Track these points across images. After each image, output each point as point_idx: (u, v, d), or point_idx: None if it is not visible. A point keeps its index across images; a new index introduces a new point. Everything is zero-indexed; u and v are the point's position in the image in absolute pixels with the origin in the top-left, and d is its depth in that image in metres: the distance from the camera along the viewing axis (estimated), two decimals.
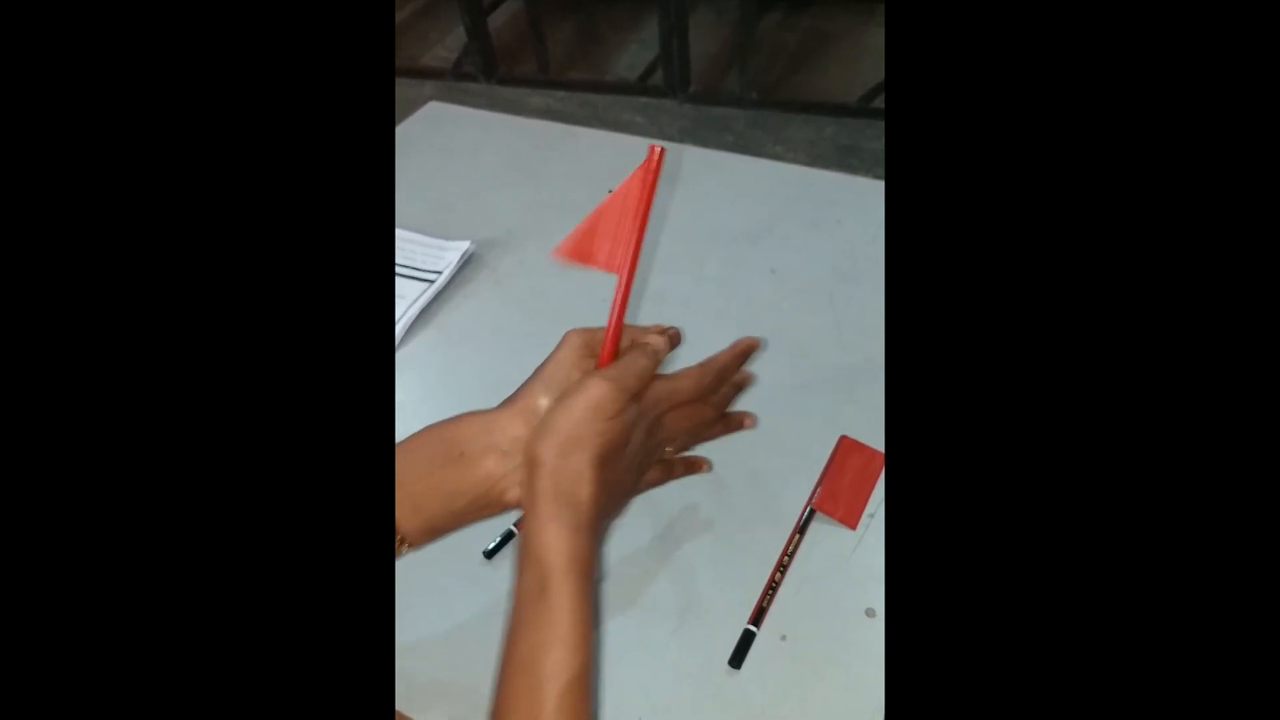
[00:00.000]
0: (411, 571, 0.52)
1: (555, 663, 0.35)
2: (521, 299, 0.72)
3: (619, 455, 0.41)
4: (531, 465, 0.39)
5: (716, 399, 0.49)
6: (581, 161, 0.88)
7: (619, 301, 0.43)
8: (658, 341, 0.44)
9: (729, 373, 0.48)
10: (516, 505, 0.42)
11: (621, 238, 0.42)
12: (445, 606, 0.51)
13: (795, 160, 0.85)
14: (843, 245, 0.73)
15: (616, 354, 0.44)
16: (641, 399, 0.42)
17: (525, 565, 0.38)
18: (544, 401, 0.42)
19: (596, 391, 0.39)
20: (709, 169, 0.85)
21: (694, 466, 0.53)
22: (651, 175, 0.42)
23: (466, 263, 0.74)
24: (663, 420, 0.45)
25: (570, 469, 0.38)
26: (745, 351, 0.49)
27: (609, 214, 0.43)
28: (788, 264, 0.72)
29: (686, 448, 0.51)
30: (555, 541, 0.37)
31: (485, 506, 0.42)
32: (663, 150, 0.42)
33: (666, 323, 0.47)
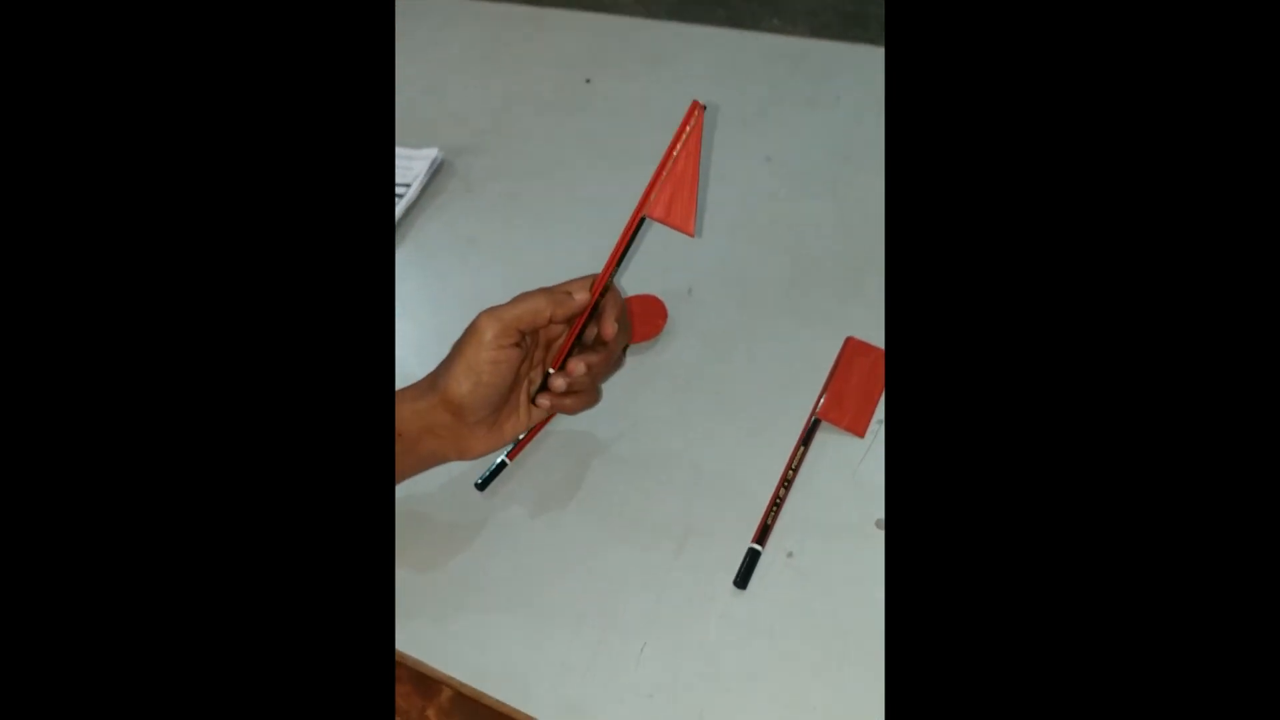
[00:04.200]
0: (403, 504, 0.50)
1: None
2: (497, 207, 0.67)
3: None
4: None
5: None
6: (553, 48, 0.80)
7: (610, 260, 0.44)
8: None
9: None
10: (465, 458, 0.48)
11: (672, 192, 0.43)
12: (441, 538, 0.49)
13: (795, 35, 0.77)
14: (844, 124, 0.67)
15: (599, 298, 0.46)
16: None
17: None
18: (465, 387, 0.44)
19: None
20: (696, 48, 0.77)
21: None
22: (686, 134, 0.41)
23: (436, 172, 0.69)
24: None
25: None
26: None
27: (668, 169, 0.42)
28: (784, 149, 0.66)
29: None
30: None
31: (431, 466, 0.48)
32: (702, 108, 0.41)
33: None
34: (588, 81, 0.75)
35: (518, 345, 0.44)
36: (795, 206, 0.62)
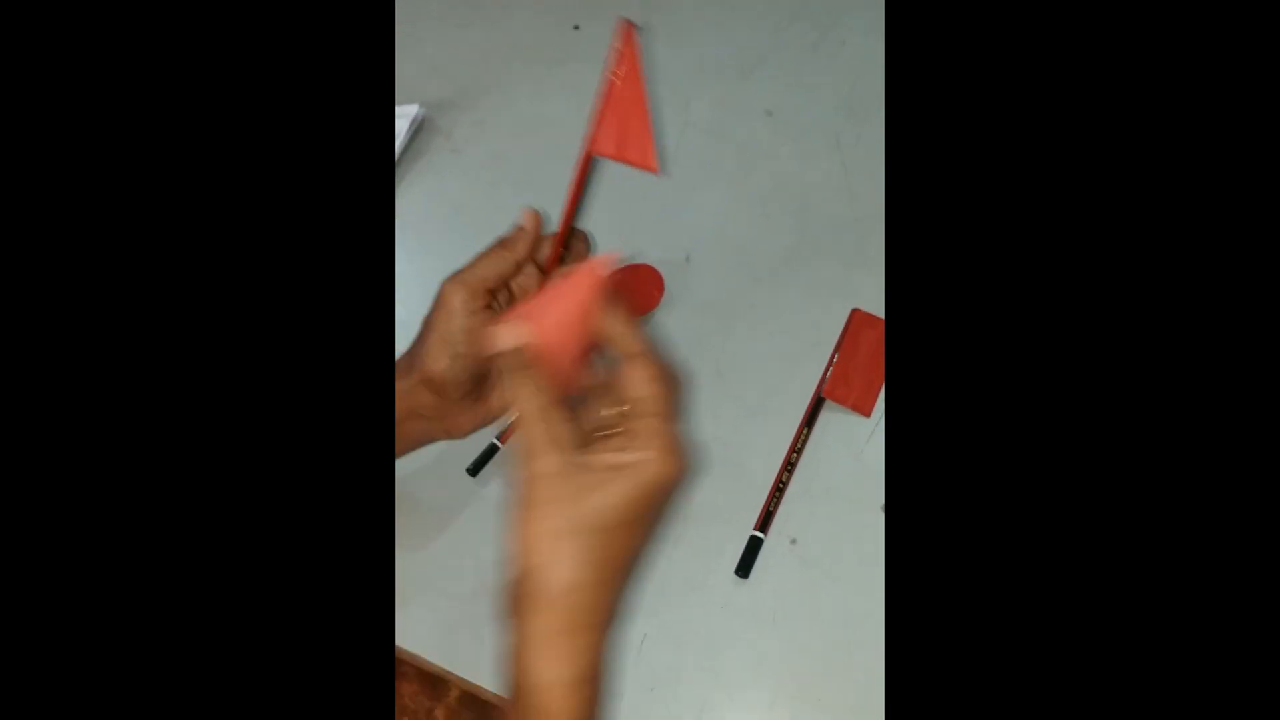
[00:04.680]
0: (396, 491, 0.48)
1: None
2: (484, 168, 0.63)
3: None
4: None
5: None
6: None
7: (565, 213, 0.41)
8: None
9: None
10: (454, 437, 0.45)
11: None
12: (433, 524, 0.48)
13: None
14: (849, 72, 0.63)
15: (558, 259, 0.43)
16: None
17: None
18: (443, 362, 0.41)
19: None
20: None
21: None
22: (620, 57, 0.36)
23: (417, 131, 0.65)
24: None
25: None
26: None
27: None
28: (786, 102, 0.62)
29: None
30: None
31: (418, 448, 0.46)
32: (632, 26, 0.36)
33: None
34: (576, 28, 0.71)
35: (489, 307, 0.42)
36: (799, 165, 0.59)
